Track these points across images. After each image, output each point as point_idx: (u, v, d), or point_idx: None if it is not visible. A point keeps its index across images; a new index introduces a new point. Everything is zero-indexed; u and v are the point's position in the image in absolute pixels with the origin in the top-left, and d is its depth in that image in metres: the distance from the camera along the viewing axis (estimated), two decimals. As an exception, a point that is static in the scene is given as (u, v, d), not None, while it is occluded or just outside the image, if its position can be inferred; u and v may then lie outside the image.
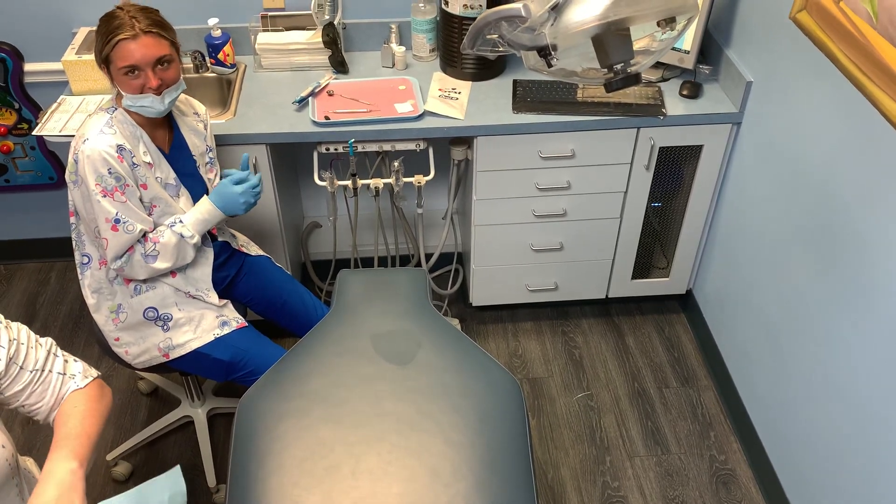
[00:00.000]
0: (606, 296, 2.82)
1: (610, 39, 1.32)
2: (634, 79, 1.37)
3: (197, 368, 2.05)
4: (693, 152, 2.47)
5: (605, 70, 1.37)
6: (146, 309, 1.97)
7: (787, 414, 2.16)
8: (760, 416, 2.33)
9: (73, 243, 1.96)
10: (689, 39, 2.39)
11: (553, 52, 1.34)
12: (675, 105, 2.38)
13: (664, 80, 2.49)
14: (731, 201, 2.47)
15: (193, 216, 1.94)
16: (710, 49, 2.51)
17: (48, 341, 1.40)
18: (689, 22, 1.39)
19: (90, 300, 1.98)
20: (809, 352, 2.03)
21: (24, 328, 1.37)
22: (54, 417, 1.36)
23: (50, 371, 1.37)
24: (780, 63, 2.12)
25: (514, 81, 2.47)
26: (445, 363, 1.63)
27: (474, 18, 2.29)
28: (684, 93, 2.41)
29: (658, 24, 1.36)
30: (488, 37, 1.42)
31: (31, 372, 1.34)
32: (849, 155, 1.82)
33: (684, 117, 2.34)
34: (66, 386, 1.38)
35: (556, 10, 1.31)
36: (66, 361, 1.41)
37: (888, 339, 1.70)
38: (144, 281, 1.96)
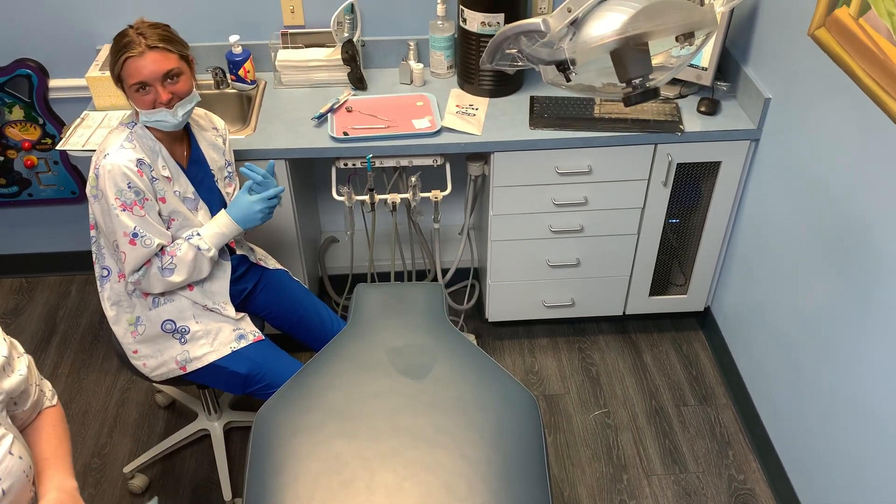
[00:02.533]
0: (623, 312, 2.80)
1: (628, 54, 1.33)
2: (653, 93, 1.38)
3: (214, 381, 2.05)
4: (711, 169, 2.46)
5: (624, 85, 1.38)
6: (164, 321, 1.98)
7: (806, 433, 2.13)
8: (780, 434, 2.30)
9: (94, 256, 1.98)
10: (706, 56, 2.39)
11: (572, 67, 1.34)
12: (692, 121, 2.37)
13: (682, 96, 2.49)
14: (750, 218, 2.46)
15: (211, 229, 1.95)
16: (728, 66, 2.50)
17: (28, 357, 1.44)
18: (707, 38, 1.39)
19: (109, 313, 2.00)
20: (829, 370, 2.00)
21: (8, 339, 1.38)
22: (30, 433, 1.41)
23: (37, 385, 1.43)
24: (799, 80, 2.11)
25: (532, 98, 2.47)
26: (461, 378, 1.63)
27: (492, 36, 2.31)
28: (702, 109, 2.40)
29: (676, 40, 1.36)
30: (507, 51, 1.43)
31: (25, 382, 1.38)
32: (868, 172, 1.81)
33: (702, 134, 2.34)
34: (41, 401, 1.44)
35: (575, 24, 1.32)
36: (41, 378, 1.46)
37: (911, 357, 1.68)
38: (162, 294, 1.97)
